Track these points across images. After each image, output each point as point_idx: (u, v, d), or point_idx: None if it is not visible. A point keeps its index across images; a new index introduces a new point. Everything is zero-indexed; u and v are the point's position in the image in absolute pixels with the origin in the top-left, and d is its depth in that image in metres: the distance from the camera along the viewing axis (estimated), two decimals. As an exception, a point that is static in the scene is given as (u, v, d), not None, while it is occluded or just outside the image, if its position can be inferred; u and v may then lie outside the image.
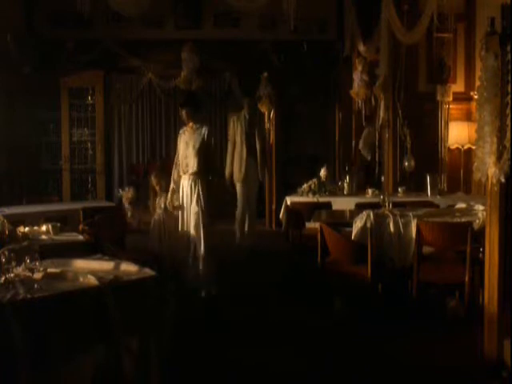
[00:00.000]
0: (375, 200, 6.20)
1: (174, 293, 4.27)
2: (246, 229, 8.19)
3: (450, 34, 7.95)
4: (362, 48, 8.27)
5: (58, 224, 4.84)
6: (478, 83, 3.79)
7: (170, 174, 5.91)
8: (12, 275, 2.96)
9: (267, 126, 10.32)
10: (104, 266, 3.35)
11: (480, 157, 3.72)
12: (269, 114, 10.19)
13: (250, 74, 10.00)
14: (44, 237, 4.62)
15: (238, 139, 7.93)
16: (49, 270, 3.15)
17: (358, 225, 4.93)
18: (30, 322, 2.70)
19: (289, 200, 6.81)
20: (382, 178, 8.23)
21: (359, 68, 8.62)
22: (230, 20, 10.13)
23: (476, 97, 4.38)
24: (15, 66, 8.98)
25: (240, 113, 8.10)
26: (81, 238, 4.68)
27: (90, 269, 3.24)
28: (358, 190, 7.36)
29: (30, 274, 3.03)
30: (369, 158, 8.77)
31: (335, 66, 10.10)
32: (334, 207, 6.44)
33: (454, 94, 7.95)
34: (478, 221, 4.65)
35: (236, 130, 7.96)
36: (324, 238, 4.98)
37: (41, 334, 2.72)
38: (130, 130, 11.44)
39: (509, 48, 3.53)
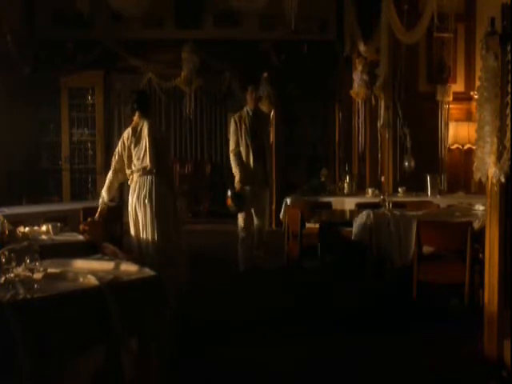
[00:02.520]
0: (375, 200, 6.20)
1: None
2: (256, 251, 6.79)
3: (449, 33, 7.95)
4: (362, 48, 8.28)
5: (58, 224, 4.83)
6: (478, 83, 3.80)
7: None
8: (12, 275, 2.96)
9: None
10: (104, 265, 3.34)
11: (480, 157, 3.72)
12: (269, 114, 10.19)
13: (250, 74, 10.00)
14: (44, 237, 4.60)
15: (242, 141, 6.63)
16: (49, 270, 3.14)
17: (358, 225, 4.93)
18: (30, 321, 2.69)
19: (289, 200, 6.81)
20: (382, 178, 8.24)
21: (359, 68, 8.63)
22: (230, 20, 10.14)
23: (476, 97, 4.39)
24: (15, 66, 8.99)
25: (242, 110, 6.84)
26: (81, 237, 4.67)
27: (90, 269, 3.24)
28: (358, 189, 7.37)
29: (30, 274, 3.02)
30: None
31: (335, 66, 10.10)
32: (334, 207, 6.45)
33: (454, 93, 7.95)
34: (477, 221, 4.65)
35: (240, 131, 6.65)
36: (324, 238, 4.98)
37: (41, 334, 2.72)
38: (130, 129, 11.45)
39: (509, 48, 3.53)
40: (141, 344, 3.15)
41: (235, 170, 6.63)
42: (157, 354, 3.18)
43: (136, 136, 5.09)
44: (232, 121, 6.74)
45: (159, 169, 5.03)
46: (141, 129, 5.10)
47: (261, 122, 6.80)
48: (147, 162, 4.96)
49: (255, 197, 6.61)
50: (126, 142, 5.10)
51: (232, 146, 6.68)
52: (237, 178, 6.58)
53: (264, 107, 10.15)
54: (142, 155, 5.01)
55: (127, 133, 5.15)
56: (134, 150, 5.06)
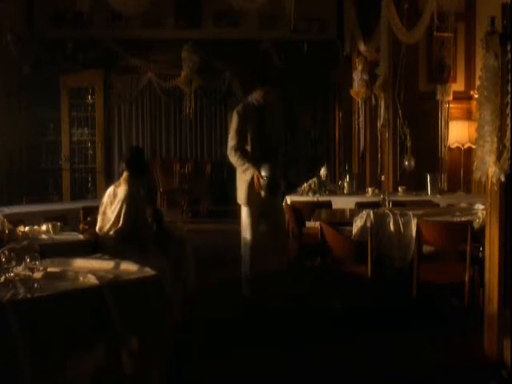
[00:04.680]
0: (375, 199, 6.20)
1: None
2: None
3: (450, 33, 7.94)
4: (362, 48, 8.28)
5: (59, 223, 4.84)
6: (478, 82, 3.80)
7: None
8: (12, 275, 2.96)
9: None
10: (104, 265, 3.35)
11: (480, 156, 3.73)
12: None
13: (250, 73, 9.99)
14: (44, 236, 4.61)
15: (248, 141, 5.39)
16: (49, 269, 3.15)
17: (358, 224, 4.92)
18: (30, 321, 2.69)
19: (289, 199, 6.81)
20: (382, 178, 8.24)
21: (359, 68, 8.63)
22: (230, 20, 10.15)
23: (476, 96, 4.39)
24: (15, 65, 8.99)
25: (247, 100, 5.58)
26: (81, 237, 4.68)
27: (89, 268, 3.24)
28: (358, 189, 7.38)
29: (30, 273, 3.02)
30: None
31: (335, 66, 10.11)
32: (334, 206, 6.43)
33: (454, 93, 7.94)
34: (478, 220, 4.65)
35: (244, 127, 5.37)
36: (324, 238, 4.97)
37: (41, 334, 2.72)
38: (130, 129, 11.45)
39: (509, 47, 3.53)
40: (141, 344, 3.15)
41: (243, 164, 5.30)
42: (157, 353, 3.18)
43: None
44: (235, 113, 5.43)
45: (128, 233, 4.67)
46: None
47: (272, 117, 5.52)
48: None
49: (264, 214, 5.42)
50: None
51: (232, 142, 5.39)
52: (251, 170, 5.23)
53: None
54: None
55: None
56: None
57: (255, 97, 5.48)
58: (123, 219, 4.59)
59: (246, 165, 5.27)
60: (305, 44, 10.09)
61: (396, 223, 4.88)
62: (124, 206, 4.61)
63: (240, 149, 5.36)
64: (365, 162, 9.37)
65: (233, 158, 5.40)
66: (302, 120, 10.81)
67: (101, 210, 4.80)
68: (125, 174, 4.77)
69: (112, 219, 4.65)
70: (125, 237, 4.60)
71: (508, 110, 3.51)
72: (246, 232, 5.45)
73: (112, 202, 4.73)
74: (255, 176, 5.19)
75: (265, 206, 5.37)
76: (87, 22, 9.74)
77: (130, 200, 4.64)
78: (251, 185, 5.28)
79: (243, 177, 5.37)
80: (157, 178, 11.60)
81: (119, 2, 8.84)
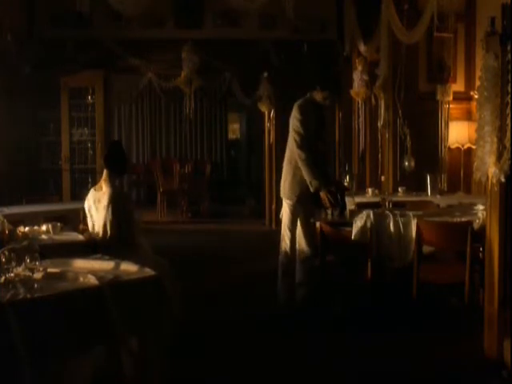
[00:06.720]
0: (375, 200, 6.20)
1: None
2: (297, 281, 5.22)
3: (450, 33, 7.95)
4: (362, 48, 8.28)
5: (59, 224, 4.84)
6: (478, 83, 3.80)
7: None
8: (12, 275, 2.96)
9: (267, 125, 10.33)
10: (104, 265, 3.35)
11: (480, 156, 3.73)
12: (269, 114, 10.20)
13: (250, 73, 9.99)
14: (44, 237, 4.62)
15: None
16: (49, 269, 3.15)
17: (357, 224, 4.92)
18: (30, 321, 2.70)
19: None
20: (382, 178, 8.24)
21: (359, 68, 8.62)
22: (230, 20, 10.15)
23: (476, 96, 4.39)
24: (15, 66, 8.99)
25: (309, 98, 5.28)
26: (81, 237, 4.68)
27: (90, 269, 3.24)
28: (358, 189, 7.37)
29: (30, 273, 3.02)
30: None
31: (335, 66, 10.10)
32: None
33: (454, 93, 7.95)
34: (478, 220, 4.64)
35: (306, 121, 5.15)
36: (324, 238, 4.97)
37: (41, 334, 2.72)
38: (130, 129, 11.46)
39: (509, 48, 3.54)
40: (141, 344, 3.15)
41: (313, 173, 5.01)
42: (157, 353, 3.18)
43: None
44: (297, 108, 5.22)
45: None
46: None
47: (326, 121, 5.39)
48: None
49: (306, 216, 5.22)
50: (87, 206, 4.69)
51: (302, 139, 5.15)
52: (319, 184, 4.99)
53: (263, 107, 10.17)
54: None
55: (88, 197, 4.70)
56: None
57: (315, 96, 5.21)
58: (112, 227, 4.49)
59: (317, 175, 4.99)
60: (305, 44, 10.09)
61: (396, 224, 4.88)
62: (110, 212, 4.48)
63: (312, 152, 5.07)
64: (365, 162, 9.37)
65: (305, 159, 5.07)
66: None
67: (88, 216, 4.69)
68: (104, 174, 4.62)
69: (101, 228, 4.54)
70: (119, 242, 4.50)
71: (508, 111, 3.52)
72: (285, 239, 5.22)
73: (97, 209, 4.59)
74: (324, 193, 4.98)
75: (308, 207, 5.21)
76: (87, 23, 9.74)
77: (115, 203, 4.50)
78: (304, 186, 5.09)
79: (299, 175, 5.13)
80: (157, 177, 11.62)
81: (119, 1, 8.86)
